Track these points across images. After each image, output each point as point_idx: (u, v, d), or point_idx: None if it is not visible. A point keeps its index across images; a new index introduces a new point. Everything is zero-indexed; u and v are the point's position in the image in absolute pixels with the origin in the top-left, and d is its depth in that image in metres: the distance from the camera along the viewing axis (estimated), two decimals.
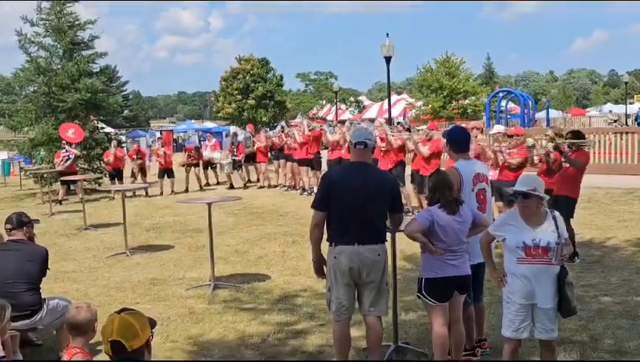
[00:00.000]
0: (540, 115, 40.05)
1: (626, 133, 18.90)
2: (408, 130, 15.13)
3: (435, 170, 5.92)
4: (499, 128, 11.71)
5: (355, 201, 4.89)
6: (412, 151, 13.18)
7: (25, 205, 16.88)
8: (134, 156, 19.54)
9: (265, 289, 8.05)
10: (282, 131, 19.89)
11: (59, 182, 17.89)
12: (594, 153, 17.09)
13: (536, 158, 9.99)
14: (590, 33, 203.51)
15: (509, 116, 31.93)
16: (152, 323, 2.92)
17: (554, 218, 4.63)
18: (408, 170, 13.52)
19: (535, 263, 4.48)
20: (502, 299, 4.75)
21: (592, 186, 13.91)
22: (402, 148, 13.40)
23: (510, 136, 10.48)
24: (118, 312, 2.82)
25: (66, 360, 4.14)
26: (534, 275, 4.48)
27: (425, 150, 12.33)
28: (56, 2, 20.85)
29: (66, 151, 17.81)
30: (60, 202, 17.27)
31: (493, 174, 10.39)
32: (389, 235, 5.32)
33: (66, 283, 8.63)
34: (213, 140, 21.85)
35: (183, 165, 19.82)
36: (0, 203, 18.08)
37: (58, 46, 21.00)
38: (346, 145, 14.95)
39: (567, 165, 8.70)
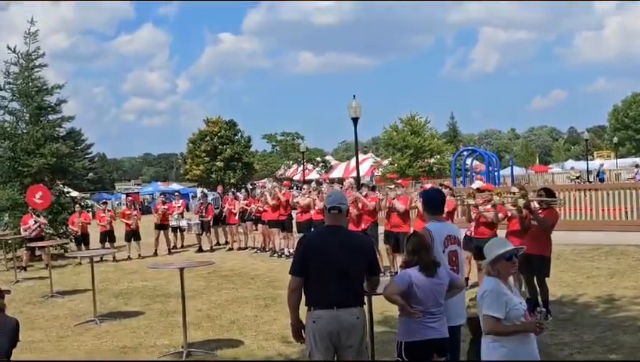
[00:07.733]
0: (505, 172, 40.71)
1: (589, 189, 19.29)
2: (373, 188, 15.31)
3: (412, 233, 5.96)
4: (478, 184, 11.80)
5: (332, 265, 4.89)
6: (383, 210, 13.20)
7: None
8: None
9: (239, 356, 7.92)
10: (248, 196, 19.94)
11: (23, 248, 17.55)
12: (560, 210, 17.36)
13: (501, 215, 10.09)
14: (548, 92, 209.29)
15: (474, 174, 32.34)
16: None
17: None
18: (381, 230, 13.53)
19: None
20: None
21: (560, 243, 14.00)
22: (374, 209, 13.46)
23: (481, 191, 10.60)
24: None
25: None
26: (523, 339, 4.46)
27: (400, 205, 12.44)
28: (24, 67, 20.85)
29: (35, 221, 17.53)
30: (24, 268, 16.92)
31: (467, 229, 10.46)
32: (366, 298, 5.31)
33: (34, 353, 8.37)
34: (181, 201, 21.82)
35: (158, 225, 19.56)
36: None
37: (25, 110, 20.90)
38: (316, 207, 15.02)
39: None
